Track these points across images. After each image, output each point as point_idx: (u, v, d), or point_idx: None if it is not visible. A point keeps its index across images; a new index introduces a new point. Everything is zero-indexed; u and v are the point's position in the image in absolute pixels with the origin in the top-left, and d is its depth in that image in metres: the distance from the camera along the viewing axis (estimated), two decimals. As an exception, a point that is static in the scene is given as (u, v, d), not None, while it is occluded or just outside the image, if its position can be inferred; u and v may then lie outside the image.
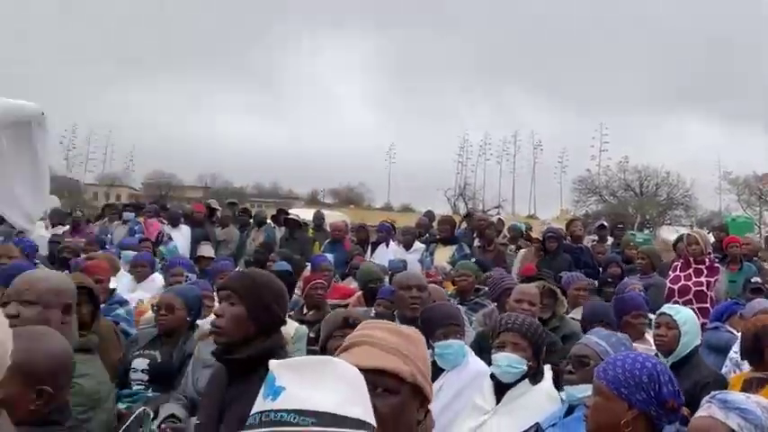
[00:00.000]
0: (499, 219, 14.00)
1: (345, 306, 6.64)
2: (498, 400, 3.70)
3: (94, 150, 60.55)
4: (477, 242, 10.47)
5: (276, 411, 1.47)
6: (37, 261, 6.80)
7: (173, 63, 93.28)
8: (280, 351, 2.92)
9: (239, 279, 3.00)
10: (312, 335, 5.32)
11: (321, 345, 3.97)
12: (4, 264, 6.03)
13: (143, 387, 4.55)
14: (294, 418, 1.45)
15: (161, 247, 9.83)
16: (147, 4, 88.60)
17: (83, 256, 7.52)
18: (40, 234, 8.39)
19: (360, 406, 1.55)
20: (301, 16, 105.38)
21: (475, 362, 4.25)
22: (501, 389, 3.72)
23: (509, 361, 3.67)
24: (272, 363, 1.57)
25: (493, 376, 3.78)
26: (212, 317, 4.98)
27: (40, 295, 3.02)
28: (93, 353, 3.21)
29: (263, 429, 1.47)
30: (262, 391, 1.53)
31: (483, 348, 4.45)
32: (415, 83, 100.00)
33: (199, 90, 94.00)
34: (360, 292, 7.13)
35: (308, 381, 1.51)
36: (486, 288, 6.86)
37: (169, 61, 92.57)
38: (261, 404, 1.51)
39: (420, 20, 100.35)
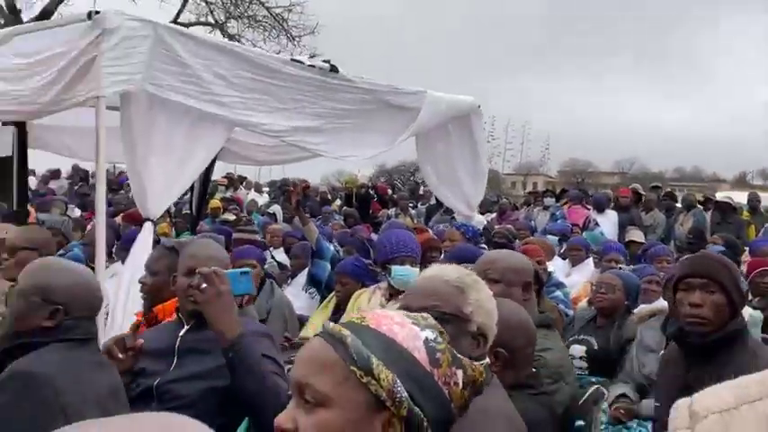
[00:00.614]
0: None
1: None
2: None
3: (511, 141, 62.83)
4: None
5: None
6: (483, 246, 7.16)
7: (582, 50, 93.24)
8: (742, 334, 2.86)
9: (714, 266, 2.92)
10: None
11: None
12: (448, 247, 6.56)
13: (584, 373, 4.64)
14: None
15: (585, 233, 9.88)
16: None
17: (518, 241, 7.81)
18: (479, 220, 8.85)
19: None
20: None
21: None
22: None
23: None
24: None
25: None
26: (658, 303, 4.93)
27: (503, 273, 3.16)
28: (552, 329, 3.34)
29: None
30: None
31: None
32: None
33: (610, 76, 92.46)
34: (811, 279, 6.49)
35: None
36: None
37: (579, 49, 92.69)
38: None
39: None
